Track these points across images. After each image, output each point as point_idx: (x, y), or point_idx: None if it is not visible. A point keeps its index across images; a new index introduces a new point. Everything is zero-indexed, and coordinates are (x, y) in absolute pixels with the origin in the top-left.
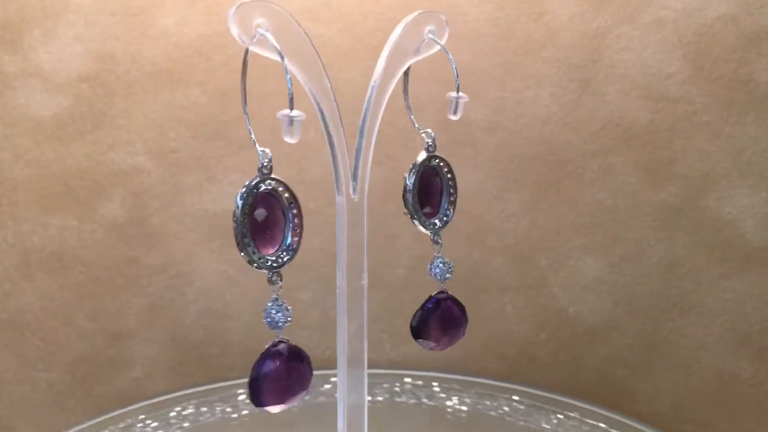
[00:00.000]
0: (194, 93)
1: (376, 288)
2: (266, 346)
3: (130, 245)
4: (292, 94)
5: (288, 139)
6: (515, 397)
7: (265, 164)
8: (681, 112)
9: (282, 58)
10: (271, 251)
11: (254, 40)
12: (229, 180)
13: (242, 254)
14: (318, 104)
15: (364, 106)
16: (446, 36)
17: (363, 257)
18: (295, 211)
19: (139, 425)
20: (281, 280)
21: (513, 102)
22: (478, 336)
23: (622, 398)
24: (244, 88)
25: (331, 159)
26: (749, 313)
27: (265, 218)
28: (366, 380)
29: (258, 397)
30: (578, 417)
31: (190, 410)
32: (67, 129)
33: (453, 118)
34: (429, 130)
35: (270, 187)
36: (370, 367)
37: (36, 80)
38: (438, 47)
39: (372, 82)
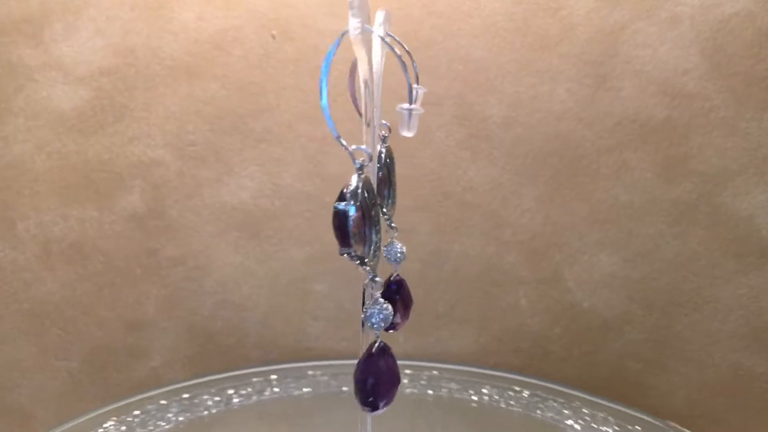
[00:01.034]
0: (213, 87)
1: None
2: (374, 348)
3: (149, 237)
4: (417, 91)
5: (406, 133)
6: (527, 391)
7: (363, 164)
8: (697, 108)
9: (399, 57)
10: (360, 251)
11: (358, 32)
12: (247, 173)
13: (350, 255)
14: (367, 99)
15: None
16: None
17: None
18: (377, 210)
19: (156, 412)
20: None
21: (529, 97)
22: (492, 329)
23: (635, 392)
24: (353, 84)
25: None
26: (764, 308)
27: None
28: None
29: (376, 400)
30: (591, 411)
31: (206, 397)
32: (88, 122)
33: (407, 134)
34: (385, 122)
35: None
36: None
37: (57, 73)
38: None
39: (375, 76)
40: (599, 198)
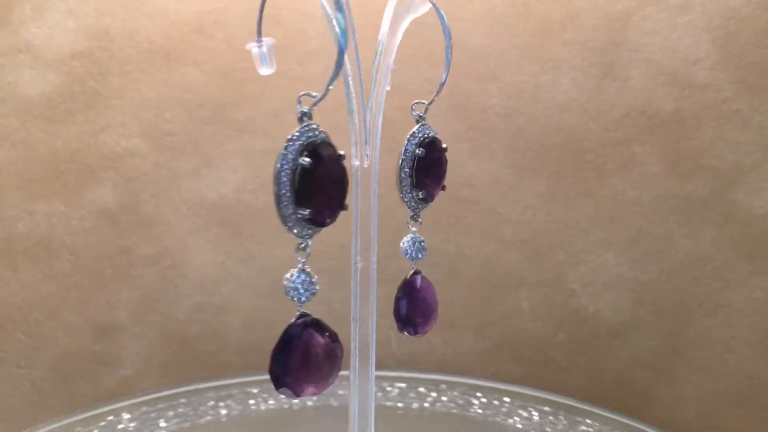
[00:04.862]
0: (192, 72)
1: (381, 282)
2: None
3: (121, 234)
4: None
5: (262, 72)
6: (529, 405)
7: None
8: (709, 100)
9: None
10: None
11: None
12: (228, 165)
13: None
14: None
15: (374, 64)
16: None
17: (371, 232)
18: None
19: (123, 425)
20: None
21: (531, 87)
22: (491, 335)
23: (643, 403)
24: None
25: (350, 124)
26: None
27: None
28: (373, 375)
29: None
30: (596, 424)
31: (181, 410)
32: (57, 109)
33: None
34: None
35: None
36: (376, 367)
37: (25, 57)
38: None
39: (379, 39)
40: (605, 194)
